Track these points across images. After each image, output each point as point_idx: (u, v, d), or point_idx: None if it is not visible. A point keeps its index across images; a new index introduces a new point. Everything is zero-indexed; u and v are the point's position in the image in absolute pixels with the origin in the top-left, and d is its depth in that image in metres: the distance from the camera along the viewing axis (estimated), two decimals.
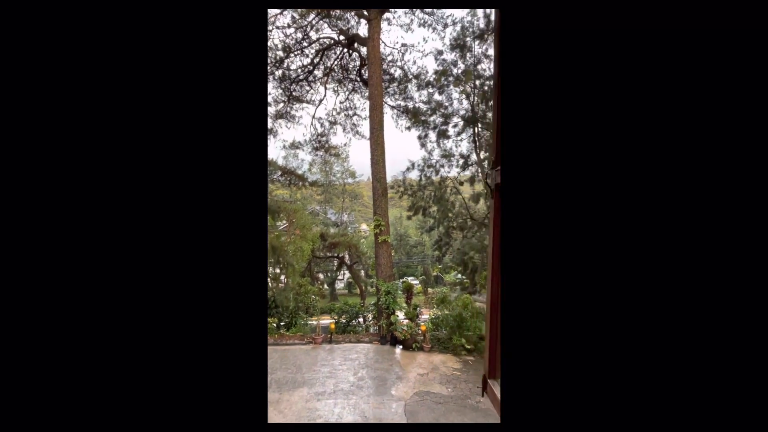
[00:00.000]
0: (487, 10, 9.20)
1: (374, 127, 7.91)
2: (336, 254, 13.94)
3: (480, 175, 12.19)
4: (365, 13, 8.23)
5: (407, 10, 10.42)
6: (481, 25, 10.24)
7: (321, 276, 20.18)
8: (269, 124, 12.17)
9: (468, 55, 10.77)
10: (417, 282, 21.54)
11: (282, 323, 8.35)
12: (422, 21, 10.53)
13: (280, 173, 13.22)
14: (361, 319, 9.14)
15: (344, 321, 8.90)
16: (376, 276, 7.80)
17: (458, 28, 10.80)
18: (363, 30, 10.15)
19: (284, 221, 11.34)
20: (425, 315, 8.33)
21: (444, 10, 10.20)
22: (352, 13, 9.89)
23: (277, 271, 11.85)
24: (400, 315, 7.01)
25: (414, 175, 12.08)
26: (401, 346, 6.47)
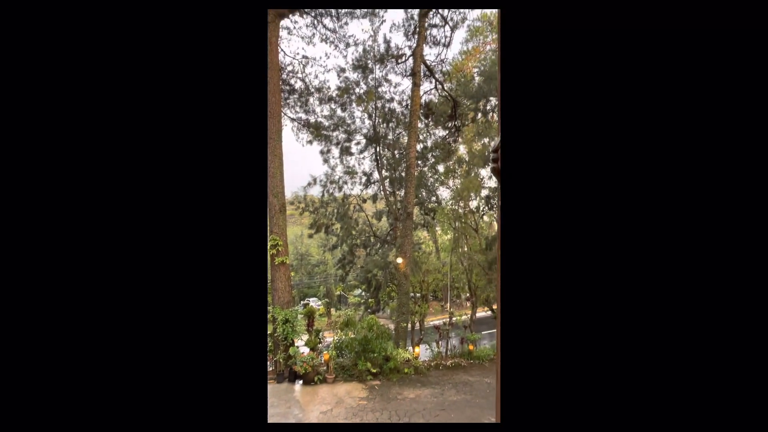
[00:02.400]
0: (387, 36, 9.72)
1: (271, 137, 7.20)
2: None
3: (382, 192, 12.53)
4: None
5: (309, 23, 10.19)
6: (381, 50, 10.76)
7: None
8: None
9: (370, 76, 11.11)
10: (320, 303, 20.57)
11: None
12: (324, 36, 10.44)
13: None
14: None
15: None
16: (272, 303, 6.90)
17: (360, 49, 11.11)
18: None
19: None
20: (328, 338, 7.76)
21: (346, 29, 10.36)
22: None
23: None
24: (300, 344, 6.29)
25: (316, 191, 11.62)
26: (301, 382, 5.74)
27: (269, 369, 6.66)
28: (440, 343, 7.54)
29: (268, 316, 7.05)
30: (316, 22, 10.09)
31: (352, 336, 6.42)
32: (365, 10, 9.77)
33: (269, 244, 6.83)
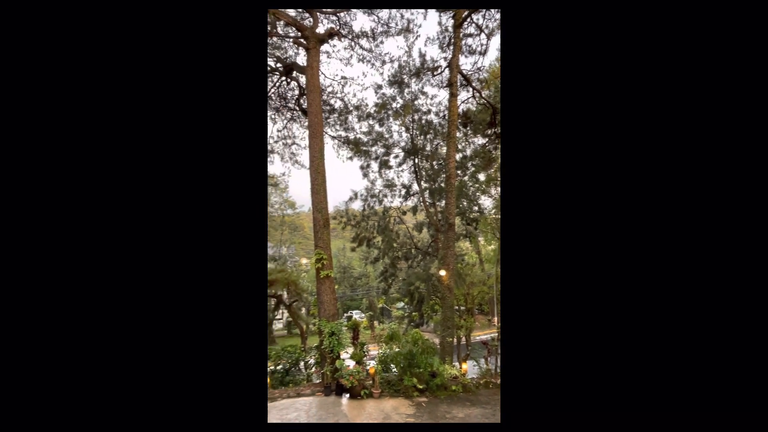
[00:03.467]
0: (422, 50, 9.84)
1: (314, 156, 7.55)
2: (273, 293, 12.71)
3: (422, 204, 12.48)
4: (303, 42, 8.13)
5: (347, 46, 10.67)
6: (417, 64, 10.91)
7: None
8: None
9: (406, 90, 11.30)
10: (363, 316, 20.70)
11: None
12: (361, 56, 10.84)
13: None
14: (302, 365, 8.14)
15: (282, 369, 7.82)
16: (318, 315, 7.09)
17: (396, 65, 11.37)
18: (301, 59, 10.04)
19: None
20: (373, 351, 7.75)
21: (382, 48, 10.68)
22: (290, 42, 9.75)
23: None
24: (346, 356, 6.35)
25: (357, 205, 11.89)
26: (348, 395, 5.77)
27: (317, 381, 6.78)
28: (489, 359, 7.18)
29: (315, 328, 7.22)
30: (353, 44, 10.54)
31: (397, 350, 6.35)
32: (400, 27, 10.02)
33: (314, 258, 7.07)
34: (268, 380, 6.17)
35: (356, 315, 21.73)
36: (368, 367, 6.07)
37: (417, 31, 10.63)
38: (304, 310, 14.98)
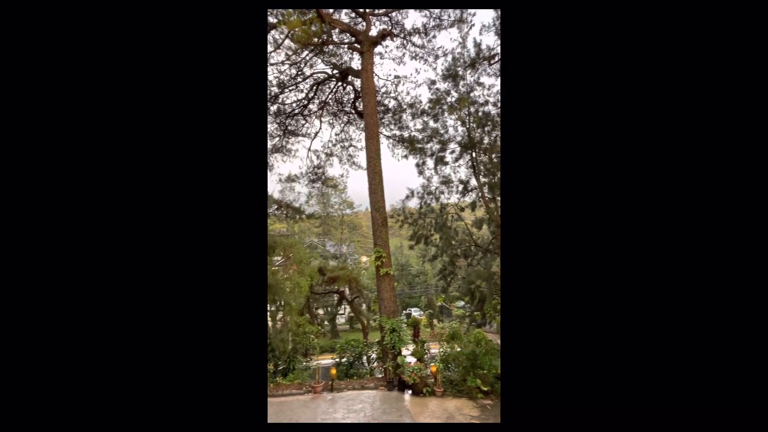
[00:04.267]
0: (477, 39, 9.42)
1: (371, 156, 7.73)
2: (336, 289, 13.35)
3: (480, 200, 11.99)
4: (357, 46, 8.36)
5: (399, 45, 10.71)
6: (472, 54, 10.49)
7: (320, 312, 19.34)
8: None
9: (461, 83, 10.95)
10: (421, 314, 20.65)
11: (279, 368, 7.65)
12: (414, 54, 10.79)
13: (276, 207, 12.95)
14: (365, 359, 8.43)
15: (347, 362, 8.19)
16: (379, 312, 7.26)
17: (449, 59, 11.07)
18: (356, 63, 10.34)
19: (281, 257, 10.90)
20: (434, 349, 7.70)
21: (435, 43, 10.48)
22: (345, 48, 10.11)
23: (273, 309, 11.20)
24: (407, 353, 6.41)
25: (413, 203, 11.87)
26: (410, 392, 5.82)
27: (379, 376, 6.97)
28: None
29: (375, 324, 7.41)
30: (405, 42, 10.54)
31: (459, 350, 6.22)
32: (453, 18, 9.74)
33: (374, 256, 7.25)
34: (334, 371, 6.52)
35: (415, 312, 21.76)
36: (430, 365, 6.06)
37: (471, 20, 10.23)
38: (364, 306, 15.47)
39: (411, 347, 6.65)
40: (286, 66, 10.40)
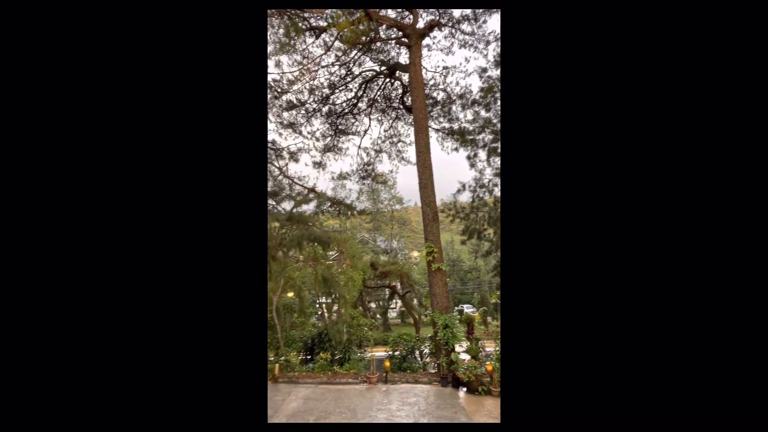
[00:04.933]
0: None
1: (420, 151, 7.67)
2: (387, 283, 13.57)
3: None
4: (405, 40, 8.31)
5: (447, 34, 10.42)
6: None
7: (373, 305, 19.82)
8: (318, 158, 12.64)
9: None
10: (474, 310, 20.09)
11: (335, 358, 8.04)
12: (463, 42, 10.41)
13: (329, 204, 13.51)
14: (417, 353, 8.48)
15: (399, 355, 8.31)
16: (431, 307, 7.22)
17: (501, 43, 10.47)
18: (403, 58, 10.29)
19: (335, 251, 11.36)
20: (488, 348, 7.45)
21: (485, 28, 10.00)
22: (393, 43, 10.11)
23: (329, 301, 11.76)
24: (461, 350, 6.30)
25: (465, 197, 11.54)
26: (465, 389, 5.72)
27: (432, 371, 6.96)
28: None
29: (427, 319, 7.39)
30: (454, 30, 10.21)
31: None
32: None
33: (425, 251, 7.22)
34: (388, 363, 6.66)
35: (467, 309, 21.24)
36: (485, 364, 5.89)
37: None
38: (415, 301, 15.51)
39: (465, 344, 6.52)
40: (336, 67, 10.72)
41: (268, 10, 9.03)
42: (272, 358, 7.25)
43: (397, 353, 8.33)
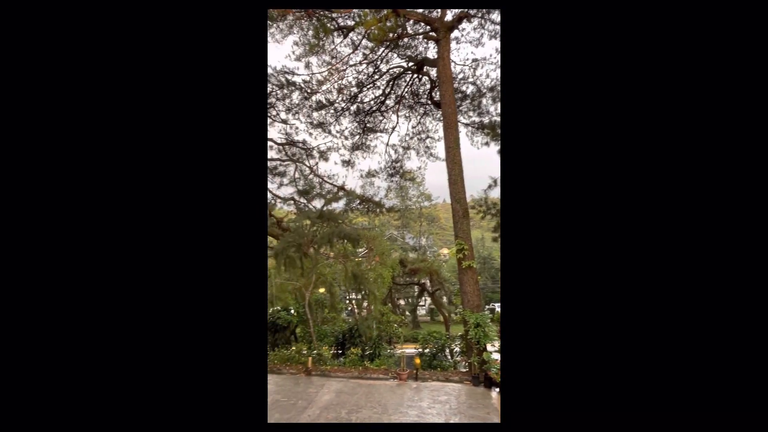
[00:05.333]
0: None
1: (450, 146, 7.54)
2: (417, 280, 13.53)
3: None
4: (433, 34, 8.18)
5: (476, 26, 10.13)
6: None
7: (402, 303, 19.86)
8: (347, 157, 12.82)
9: None
10: None
11: (366, 353, 8.16)
12: (493, 32, 10.07)
13: (358, 201, 13.66)
14: (447, 351, 8.40)
15: (430, 353, 8.28)
16: (462, 305, 7.11)
17: None
18: (431, 53, 10.14)
19: (364, 248, 11.49)
20: None
21: None
22: (420, 38, 9.99)
23: (359, 297, 11.94)
24: (492, 349, 6.15)
25: (496, 192, 11.22)
26: (497, 389, 5.59)
27: (463, 370, 6.86)
28: None
29: (457, 317, 7.28)
30: (483, 21, 9.90)
31: None
32: None
33: (455, 248, 7.11)
34: (419, 360, 6.65)
35: (498, 308, 20.68)
36: None
37: None
38: (445, 299, 15.34)
39: (497, 343, 6.36)
40: (364, 65, 10.79)
41: (296, 12, 9.26)
42: (305, 351, 7.50)
43: (427, 351, 8.29)
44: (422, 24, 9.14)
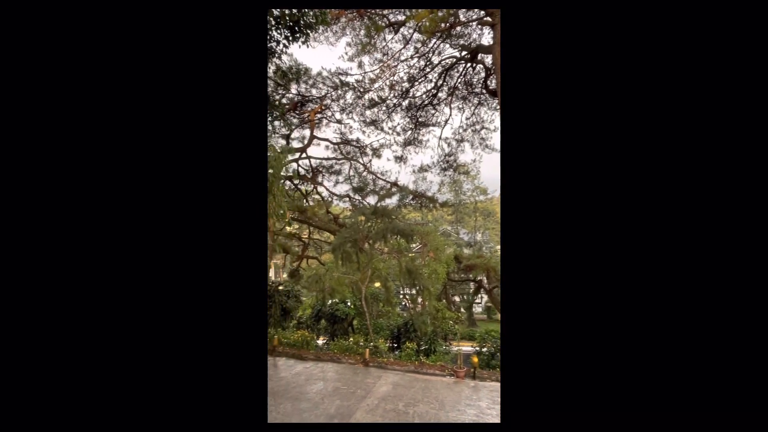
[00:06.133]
0: None
1: None
2: (473, 277, 13.13)
3: None
4: (488, 19, 7.78)
5: None
6: None
7: (457, 299, 19.45)
8: (399, 153, 12.87)
9: None
10: None
11: (421, 348, 8.18)
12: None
13: (411, 197, 13.65)
14: None
15: (488, 352, 8.00)
16: None
17: None
18: (486, 39, 9.67)
19: (418, 244, 11.47)
20: None
21: None
22: (474, 25, 9.58)
23: (413, 292, 11.98)
24: None
25: None
26: None
27: None
28: None
29: None
30: None
31: None
32: None
33: None
34: (476, 359, 6.47)
35: None
36: None
37: None
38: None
39: None
40: (415, 59, 10.69)
41: (348, 14, 9.49)
42: (362, 343, 7.76)
43: (485, 350, 8.03)
44: (476, 10, 8.74)
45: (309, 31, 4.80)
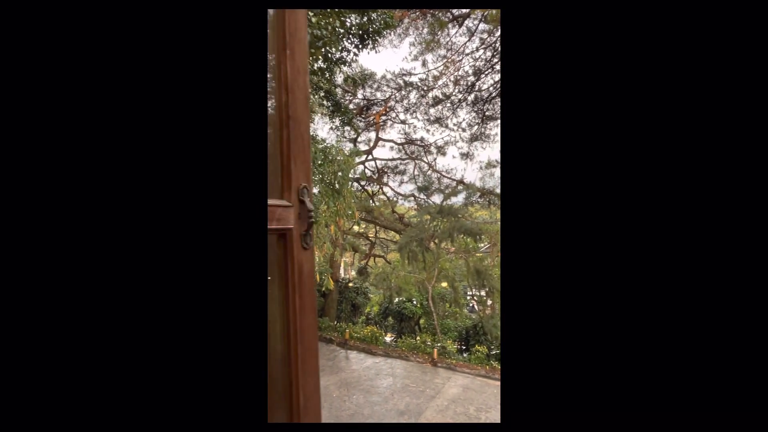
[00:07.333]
0: None
1: None
2: None
3: None
4: None
5: None
6: None
7: None
8: (465, 149, 12.52)
9: None
10: None
11: (492, 352, 7.84)
12: None
13: (478, 195, 13.16)
14: None
15: None
16: None
17: None
18: None
19: (486, 243, 11.01)
20: None
21: None
22: None
23: (482, 294, 11.52)
24: None
25: None
26: None
27: None
28: None
29: None
30: None
31: None
32: None
33: None
34: None
35: None
36: None
37: None
38: None
39: None
40: (481, 51, 10.27)
41: (411, 13, 9.52)
42: (429, 342, 7.75)
43: None
44: None
45: (378, 37, 4.96)
